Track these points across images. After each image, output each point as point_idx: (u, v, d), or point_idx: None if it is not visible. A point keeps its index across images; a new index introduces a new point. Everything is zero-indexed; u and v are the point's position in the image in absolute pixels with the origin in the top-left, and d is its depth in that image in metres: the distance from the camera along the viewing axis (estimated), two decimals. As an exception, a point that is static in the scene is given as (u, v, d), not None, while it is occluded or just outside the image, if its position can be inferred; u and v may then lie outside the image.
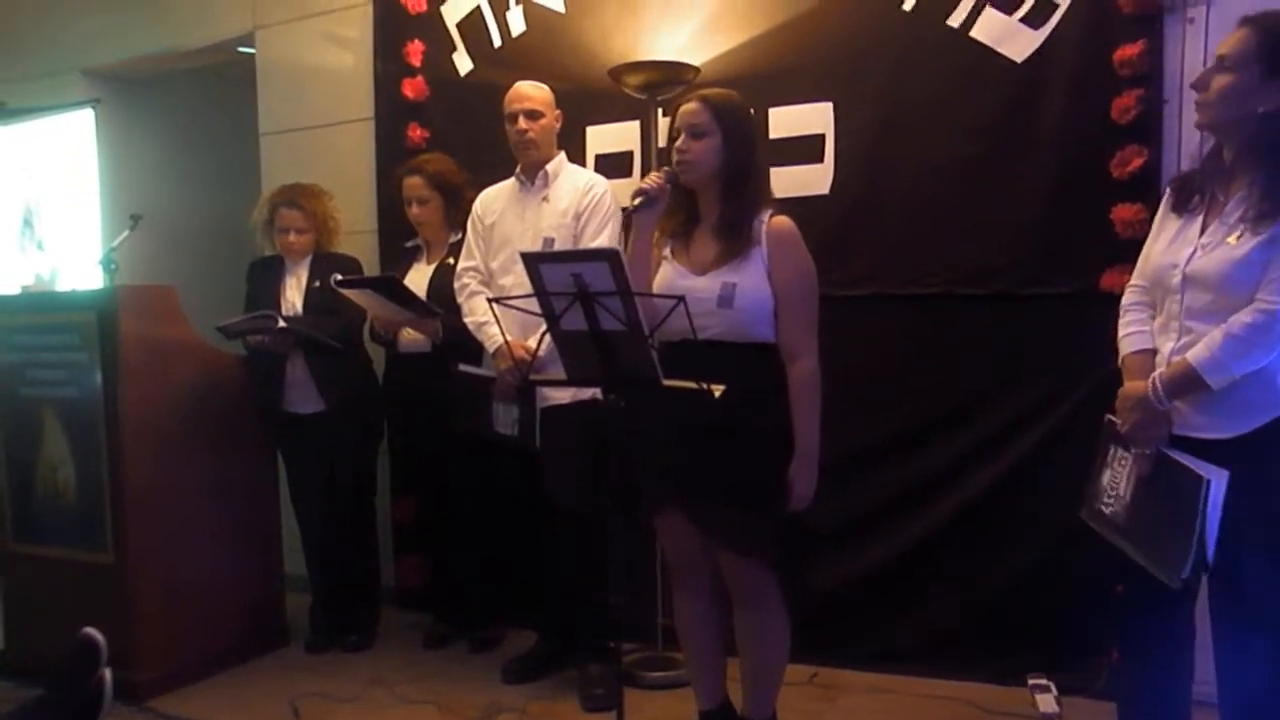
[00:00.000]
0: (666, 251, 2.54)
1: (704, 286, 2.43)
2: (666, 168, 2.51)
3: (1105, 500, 2.22)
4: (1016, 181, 3.20)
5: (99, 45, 5.13)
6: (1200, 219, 2.13)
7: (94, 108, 5.09)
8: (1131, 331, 2.27)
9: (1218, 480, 1.96)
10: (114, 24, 5.04)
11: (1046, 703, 3.02)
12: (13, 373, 3.59)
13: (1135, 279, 2.32)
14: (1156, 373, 2.11)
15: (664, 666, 3.39)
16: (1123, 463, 2.19)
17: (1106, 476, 2.24)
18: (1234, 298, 2.03)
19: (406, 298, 3.51)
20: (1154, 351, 2.19)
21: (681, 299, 2.20)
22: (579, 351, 2.30)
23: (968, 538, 3.30)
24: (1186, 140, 2.96)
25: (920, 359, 3.34)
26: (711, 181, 2.48)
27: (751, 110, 2.60)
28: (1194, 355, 2.03)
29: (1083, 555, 3.06)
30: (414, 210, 3.70)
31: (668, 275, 2.50)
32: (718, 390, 2.14)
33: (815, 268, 2.51)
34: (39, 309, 3.66)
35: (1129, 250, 2.98)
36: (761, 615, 2.55)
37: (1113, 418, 2.23)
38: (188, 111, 5.48)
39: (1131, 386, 2.17)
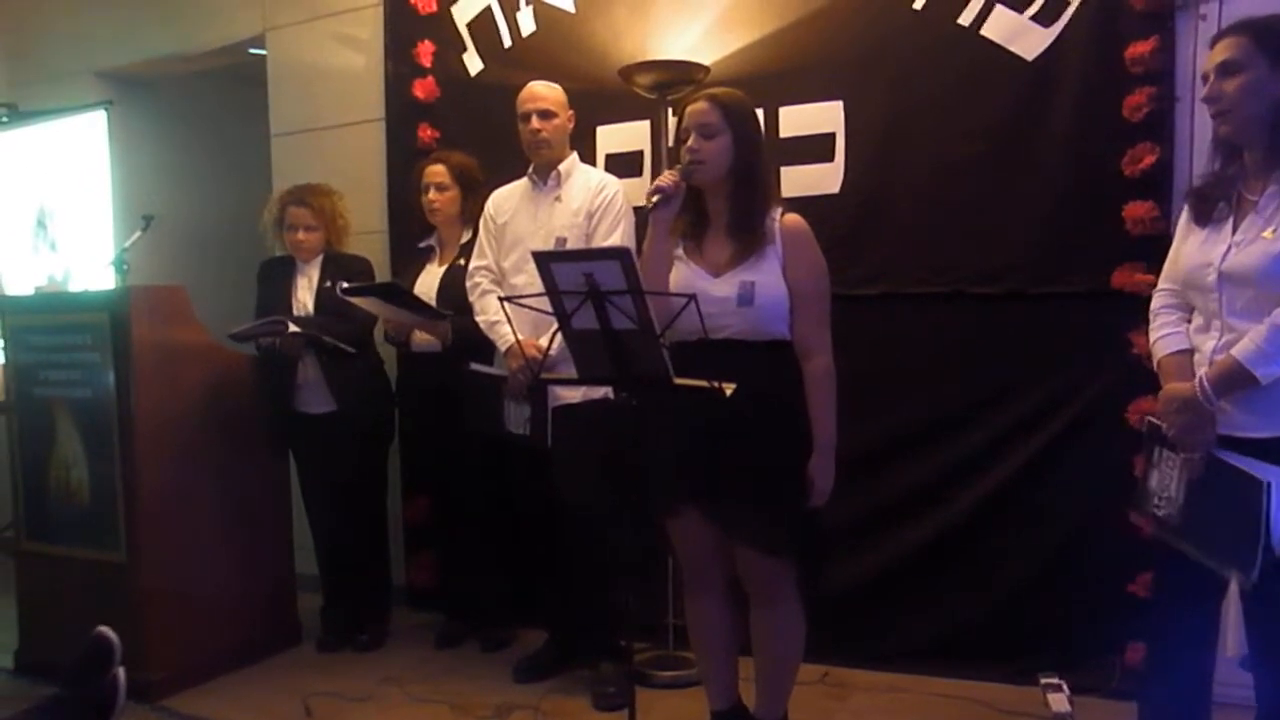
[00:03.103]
0: (679, 252, 2.54)
1: (722, 287, 2.43)
2: (680, 165, 2.51)
3: (1156, 503, 2.18)
4: (1027, 180, 3.19)
5: (111, 48, 5.15)
6: (1230, 220, 2.11)
7: (106, 110, 5.11)
8: (1166, 334, 2.23)
9: (1278, 481, 1.93)
10: (126, 27, 5.06)
11: (1059, 702, 3.00)
12: (26, 373, 3.61)
13: (1164, 283, 2.29)
14: (1202, 371, 2.07)
15: (675, 666, 3.39)
16: (1170, 464, 2.14)
17: (1154, 479, 2.19)
18: (1275, 291, 1.99)
19: (411, 303, 3.52)
20: (1191, 352, 2.16)
21: (693, 297, 2.20)
22: (590, 350, 2.30)
23: (979, 537, 3.29)
24: (1198, 138, 2.94)
25: (930, 358, 3.33)
26: (722, 181, 2.48)
27: (758, 109, 2.59)
28: (1240, 350, 2.00)
29: (1095, 554, 3.08)
30: (431, 196, 3.70)
31: (684, 276, 2.49)
32: (729, 389, 2.14)
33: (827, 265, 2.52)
34: (52, 309, 3.68)
35: (1140, 248, 3.00)
36: (780, 612, 2.55)
37: (1154, 419, 2.20)
38: (199, 113, 5.51)
39: (1174, 388, 2.12)
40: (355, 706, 3.29)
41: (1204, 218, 2.16)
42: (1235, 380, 2.02)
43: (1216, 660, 2.21)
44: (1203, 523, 2.07)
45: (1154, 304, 2.30)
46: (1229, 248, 2.08)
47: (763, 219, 2.47)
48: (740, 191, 2.48)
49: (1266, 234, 2.02)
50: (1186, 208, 2.24)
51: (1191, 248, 2.17)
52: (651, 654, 3.48)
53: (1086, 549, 3.12)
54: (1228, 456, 2.03)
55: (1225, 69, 2.06)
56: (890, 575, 3.40)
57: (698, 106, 2.48)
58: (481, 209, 3.56)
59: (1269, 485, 1.92)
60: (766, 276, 2.42)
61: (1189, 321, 2.21)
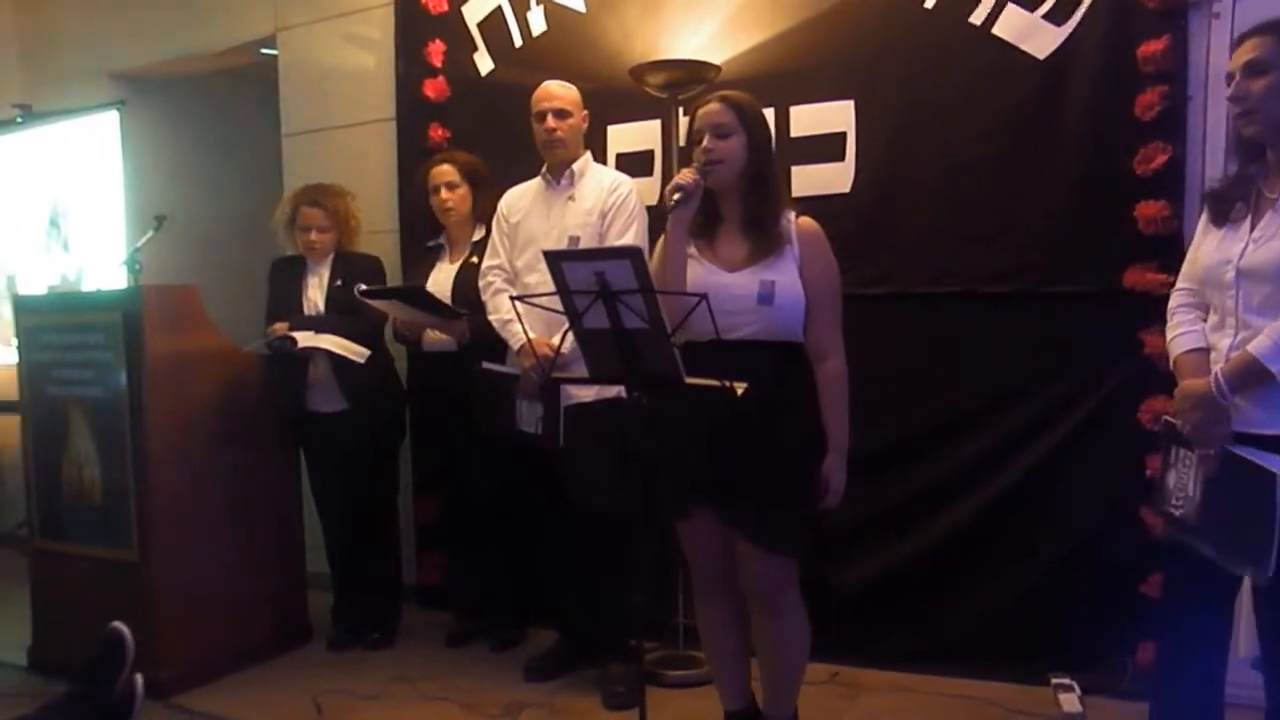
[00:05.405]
0: (691, 250, 2.53)
1: (740, 283, 2.43)
2: (696, 165, 2.50)
3: (1174, 503, 2.18)
4: (1038, 179, 3.19)
5: (124, 48, 5.18)
6: (1248, 219, 2.11)
7: (119, 110, 5.14)
8: (1183, 332, 2.23)
9: None
10: (138, 28, 5.09)
11: (1070, 702, 3.00)
12: (40, 372, 3.63)
13: (1182, 282, 2.29)
14: (1218, 367, 2.08)
15: (685, 665, 3.39)
16: (1187, 463, 2.14)
17: (1172, 478, 2.19)
18: None
19: (433, 304, 3.52)
20: (1208, 350, 2.16)
21: (704, 297, 2.20)
22: (601, 350, 2.30)
23: (990, 537, 3.29)
24: (1211, 137, 2.94)
25: (941, 358, 3.33)
26: (736, 181, 2.48)
27: (769, 109, 2.59)
28: (1256, 346, 2.00)
29: (1107, 554, 3.07)
30: (442, 195, 3.69)
31: (697, 273, 2.48)
32: (740, 388, 2.14)
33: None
34: (65, 309, 3.70)
35: (1152, 248, 2.99)
36: (783, 623, 2.54)
37: (1170, 418, 2.19)
38: (211, 113, 5.54)
39: (1190, 384, 2.12)
40: (365, 704, 3.30)
41: (1221, 218, 2.16)
42: (1251, 376, 2.01)
43: (1229, 661, 2.21)
44: (1219, 521, 2.06)
45: (1171, 303, 2.29)
46: (1247, 244, 2.08)
47: (777, 218, 2.47)
48: (754, 191, 2.49)
49: None
50: (1205, 210, 2.24)
51: (1210, 246, 2.17)
52: (661, 653, 3.48)
53: (1098, 548, 3.11)
54: (1243, 452, 2.02)
55: (1252, 69, 2.06)
56: (901, 575, 3.39)
57: (712, 107, 2.49)
58: (491, 205, 3.57)
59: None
60: (786, 277, 2.42)
61: (1205, 320, 2.20)
